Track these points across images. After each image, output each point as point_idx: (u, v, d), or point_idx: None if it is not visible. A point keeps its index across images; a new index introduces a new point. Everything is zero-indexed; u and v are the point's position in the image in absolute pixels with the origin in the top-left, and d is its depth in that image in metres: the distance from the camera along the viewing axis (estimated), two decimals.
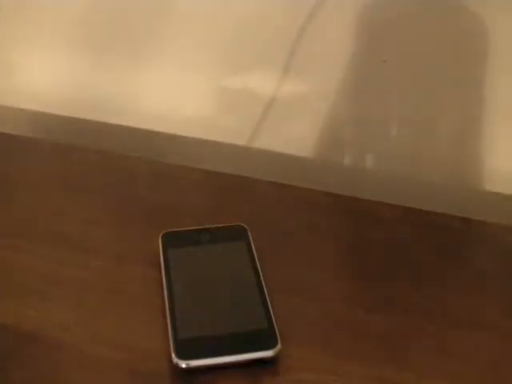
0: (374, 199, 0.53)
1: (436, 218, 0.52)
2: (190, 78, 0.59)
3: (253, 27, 0.55)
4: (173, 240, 0.46)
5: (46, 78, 0.63)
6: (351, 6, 0.51)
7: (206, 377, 0.38)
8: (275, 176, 0.55)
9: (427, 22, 0.51)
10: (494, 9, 0.48)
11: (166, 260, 0.45)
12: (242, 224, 0.48)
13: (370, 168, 0.59)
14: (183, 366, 0.38)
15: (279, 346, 0.39)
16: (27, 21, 0.60)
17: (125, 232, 0.49)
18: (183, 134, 0.61)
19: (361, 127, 0.57)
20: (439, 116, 0.55)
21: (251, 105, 0.58)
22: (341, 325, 0.42)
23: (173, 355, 0.38)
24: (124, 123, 0.62)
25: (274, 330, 0.40)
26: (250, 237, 0.47)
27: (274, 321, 0.40)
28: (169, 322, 0.40)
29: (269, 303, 0.41)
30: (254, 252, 0.45)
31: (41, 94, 0.63)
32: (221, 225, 0.48)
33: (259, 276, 0.43)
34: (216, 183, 0.54)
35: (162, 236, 0.47)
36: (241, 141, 0.60)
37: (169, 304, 0.41)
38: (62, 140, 0.59)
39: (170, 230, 0.47)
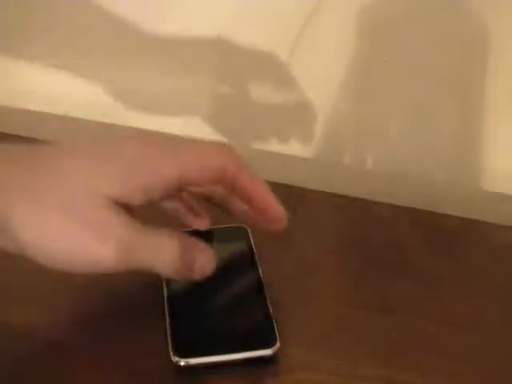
0: (374, 199, 0.53)
1: (436, 218, 0.52)
2: (191, 78, 0.59)
3: (253, 27, 0.54)
4: None
5: (47, 78, 0.63)
6: (352, 6, 0.51)
7: (204, 375, 0.38)
8: (275, 176, 0.55)
9: (427, 21, 0.51)
10: (494, 9, 0.48)
11: None
12: (243, 225, 0.48)
13: (370, 168, 0.59)
14: (182, 363, 0.38)
15: (278, 344, 0.39)
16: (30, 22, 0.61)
17: None
18: (183, 134, 0.61)
19: (361, 127, 0.57)
20: (439, 116, 0.55)
21: (251, 104, 0.58)
22: (341, 325, 0.42)
23: (171, 353, 0.38)
24: (123, 123, 0.62)
25: (273, 328, 0.40)
26: (251, 237, 0.47)
27: (273, 320, 0.40)
28: (168, 320, 0.40)
29: (268, 302, 0.41)
30: (255, 252, 0.45)
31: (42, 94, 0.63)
32: (222, 226, 0.48)
33: (259, 276, 0.44)
34: None
35: None
36: (241, 141, 0.60)
37: (168, 303, 0.41)
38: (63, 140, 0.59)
39: None
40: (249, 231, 0.47)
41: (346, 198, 0.53)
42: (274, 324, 0.40)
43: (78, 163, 0.34)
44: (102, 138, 0.36)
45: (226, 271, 0.44)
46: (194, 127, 0.60)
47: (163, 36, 0.57)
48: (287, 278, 0.45)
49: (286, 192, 0.54)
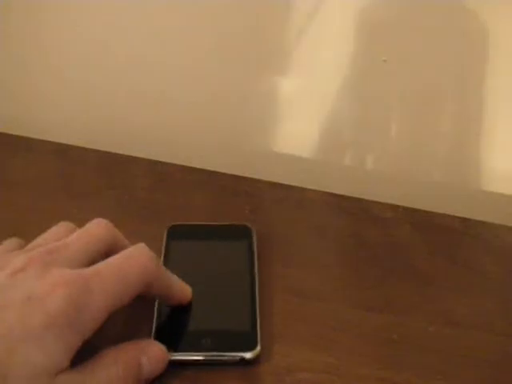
0: (374, 199, 0.53)
1: (436, 218, 0.52)
2: (190, 77, 0.59)
3: (253, 27, 0.54)
4: (178, 233, 0.47)
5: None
6: (351, 6, 0.51)
7: (199, 371, 0.38)
8: (276, 176, 0.55)
9: (427, 21, 0.51)
10: (494, 9, 0.49)
11: (166, 251, 0.45)
12: (248, 224, 0.47)
13: (370, 168, 0.59)
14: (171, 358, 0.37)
15: (258, 348, 0.38)
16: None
17: (124, 232, 0.49)
18: (183, 133, 0.61)
19: (361, 127, 0.57)
20: (439, 116, 0.55)
21: (251, 104, 0.58)
22: (341, 325, 0.42)
23: None
24: (123, 122, 0.62)
25: (256, 332, 0.39)
26: (254, 238, 0.46)
27: (257, 324, 0.40)
28: (155, 315, 0.40)
29: (257, 305, 0.41)
30: (255, 253, 0.45)
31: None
32: (227, 223, 0.48)
33: (254, 277, 0.43)
34: (216, 183, 0.54)
35: (169, 228, 0.47)
36: (241, 141, 0.60)
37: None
38: (63, 140, 0.59)
39: (177, 223, 0.47)
40: (253, 231, 0.47)
41: (345, 198, 0.53)
42: (258, 328, 0.39)
43: None
44: None
45: (222, 269, 0.44)
46: (194, 127, 0.61)
47: (165, 35, 0.57)
48: (287, 277, 0.45)
49: (285, 192, 0.54)
